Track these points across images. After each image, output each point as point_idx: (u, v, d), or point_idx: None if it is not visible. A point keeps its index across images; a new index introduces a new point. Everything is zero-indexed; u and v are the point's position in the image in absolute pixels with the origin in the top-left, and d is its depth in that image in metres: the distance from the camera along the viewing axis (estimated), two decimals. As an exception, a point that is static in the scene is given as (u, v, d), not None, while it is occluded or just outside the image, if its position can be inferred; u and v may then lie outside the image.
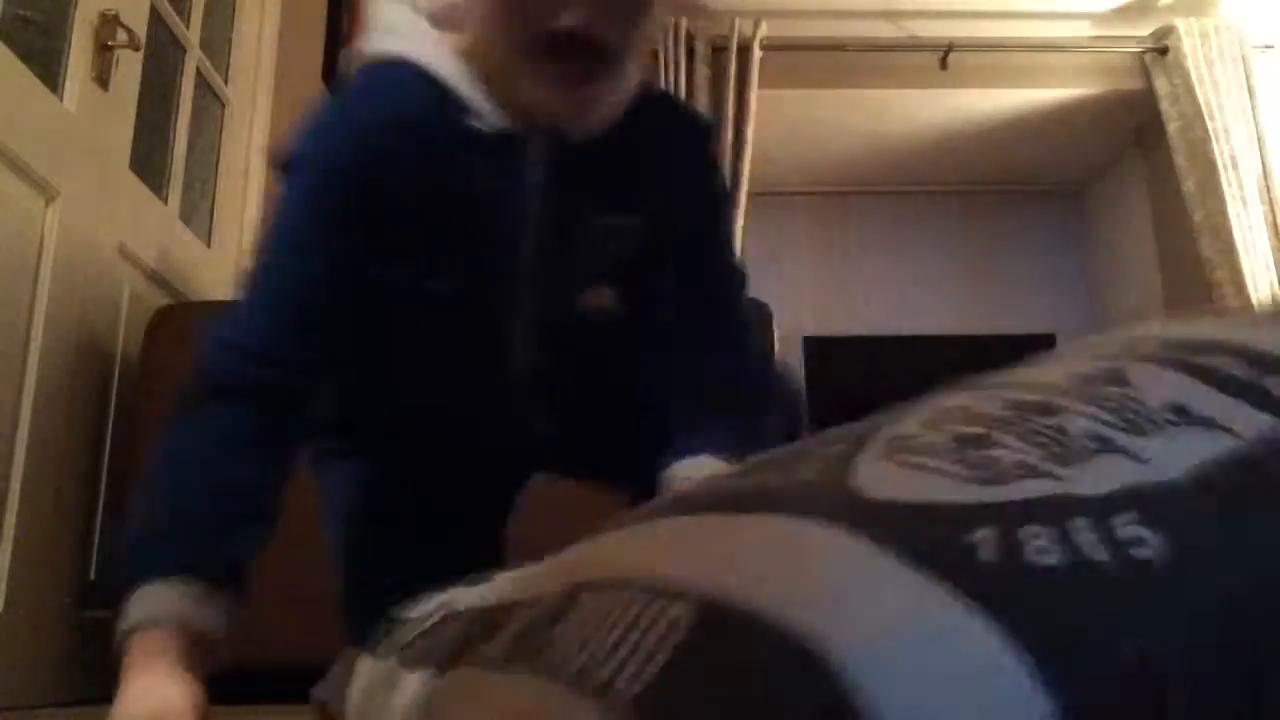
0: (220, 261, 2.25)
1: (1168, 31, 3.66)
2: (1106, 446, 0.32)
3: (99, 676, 1.64)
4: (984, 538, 0.30)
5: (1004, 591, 0.29)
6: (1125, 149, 4.24)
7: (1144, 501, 0.31)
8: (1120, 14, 3.75)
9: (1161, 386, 0.35)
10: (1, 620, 1.43)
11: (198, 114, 2.20)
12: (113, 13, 1.72)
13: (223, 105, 2.33)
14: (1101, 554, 0.29)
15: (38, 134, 1.53)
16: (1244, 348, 0.36)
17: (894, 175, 4.26)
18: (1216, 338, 0.37)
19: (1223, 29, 3.62)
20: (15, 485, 1.47)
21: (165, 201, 2.03)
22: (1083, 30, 3.78)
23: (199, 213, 2.22)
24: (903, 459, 0.34)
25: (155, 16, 1.95)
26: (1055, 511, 0.31)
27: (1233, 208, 3.46)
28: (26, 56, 1.51)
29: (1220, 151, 3.51)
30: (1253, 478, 0.31)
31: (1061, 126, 4.02)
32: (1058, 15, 3.74)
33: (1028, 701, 0.27)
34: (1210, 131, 3.52)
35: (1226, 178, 3.48)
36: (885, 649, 0.28)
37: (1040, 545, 0.30)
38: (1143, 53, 3.72)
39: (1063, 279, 4.52)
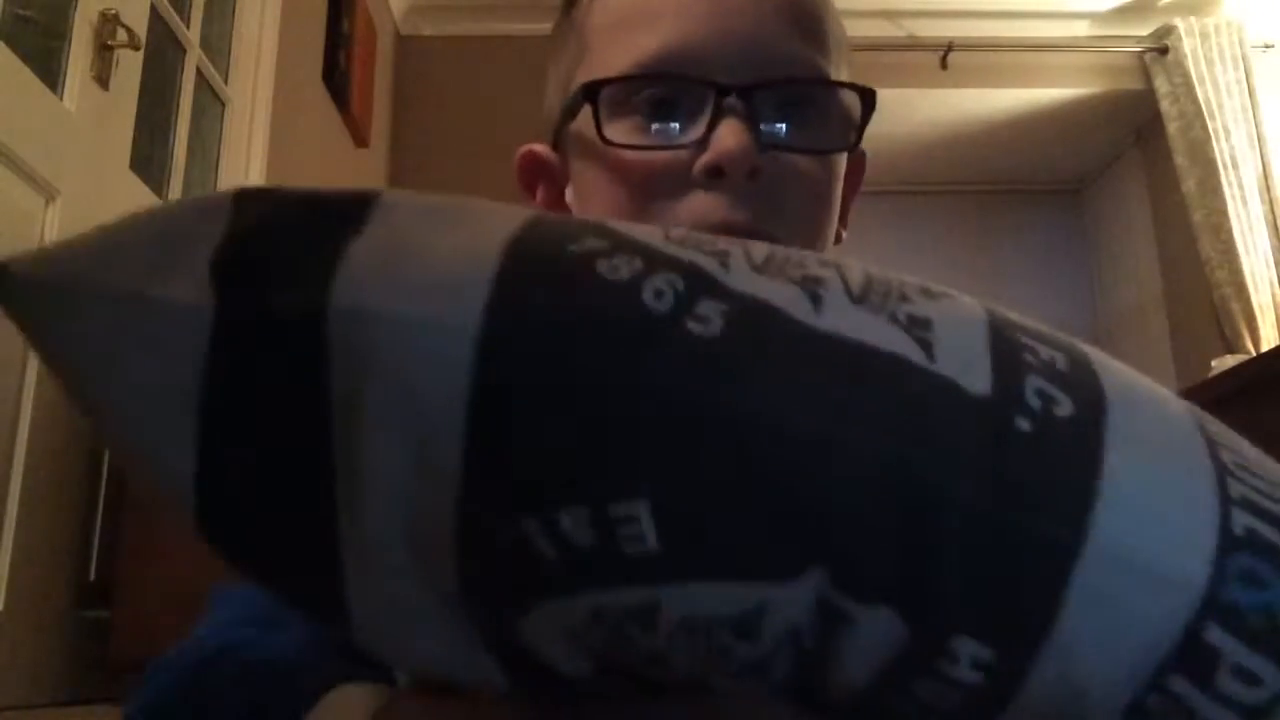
0: (220, 261, 2.25)
1: (1168, 31, 3.66)
2: None
3: (99, 676, 1.64)
4: None
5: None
6: (1125, 149, 4.24)
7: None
8: (1120, 14, 3.75)
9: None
10: (1, 620, 1.43)
11: (198, 114, 2.20)
12: (113, 13, 1.72)
13: (223, 105, 2.33)
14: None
15: (38, 134, 1.53)
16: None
17: (893, 175, 4.26)
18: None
19: (1223, 29, 3.63)
20: (15, 485, 1.47)
21: (165, 201, 2.03)
22: (1083, 30, 3.78)
23: (199, 213, 2.22)
24: None
25: (155, 16, 1.95)
26: None
27: (1233, 208, 3.47)
28: (26, 56, 1.51)
29: (1220, 151, 3.51)
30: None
31: (1061, 126, 4.02)
32: (1058, 15, 3.75)
33: None
34: (1210, 131, 3.52)
35: (1226, 177, 3.48)
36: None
37: None
38: (1143, 53, 3.72)
39: (1063, 279, 4.52)
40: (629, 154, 0.53)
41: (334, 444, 0.29)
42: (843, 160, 0.56)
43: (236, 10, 2.39)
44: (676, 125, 0.53)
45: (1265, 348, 3.25)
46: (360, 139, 3.16)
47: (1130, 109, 3.89)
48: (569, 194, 0.59)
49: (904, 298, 0.31)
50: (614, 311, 0.29)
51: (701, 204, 0.51)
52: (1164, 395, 0.33)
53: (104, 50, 1.72)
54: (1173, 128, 3.64)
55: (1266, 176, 3.53)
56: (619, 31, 0.55)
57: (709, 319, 0.28)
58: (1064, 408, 0.29)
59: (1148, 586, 0.27)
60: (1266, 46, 3.70)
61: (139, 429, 0.30)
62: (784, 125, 0.53)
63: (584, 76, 0.56)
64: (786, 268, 0.31)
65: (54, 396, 1.56)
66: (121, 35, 1.74)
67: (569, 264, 0.30)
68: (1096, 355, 0.33)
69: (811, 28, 0.55)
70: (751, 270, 0.31)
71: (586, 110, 0.53)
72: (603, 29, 0.56)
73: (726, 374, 0.28)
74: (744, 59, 0.52)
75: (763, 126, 0.51)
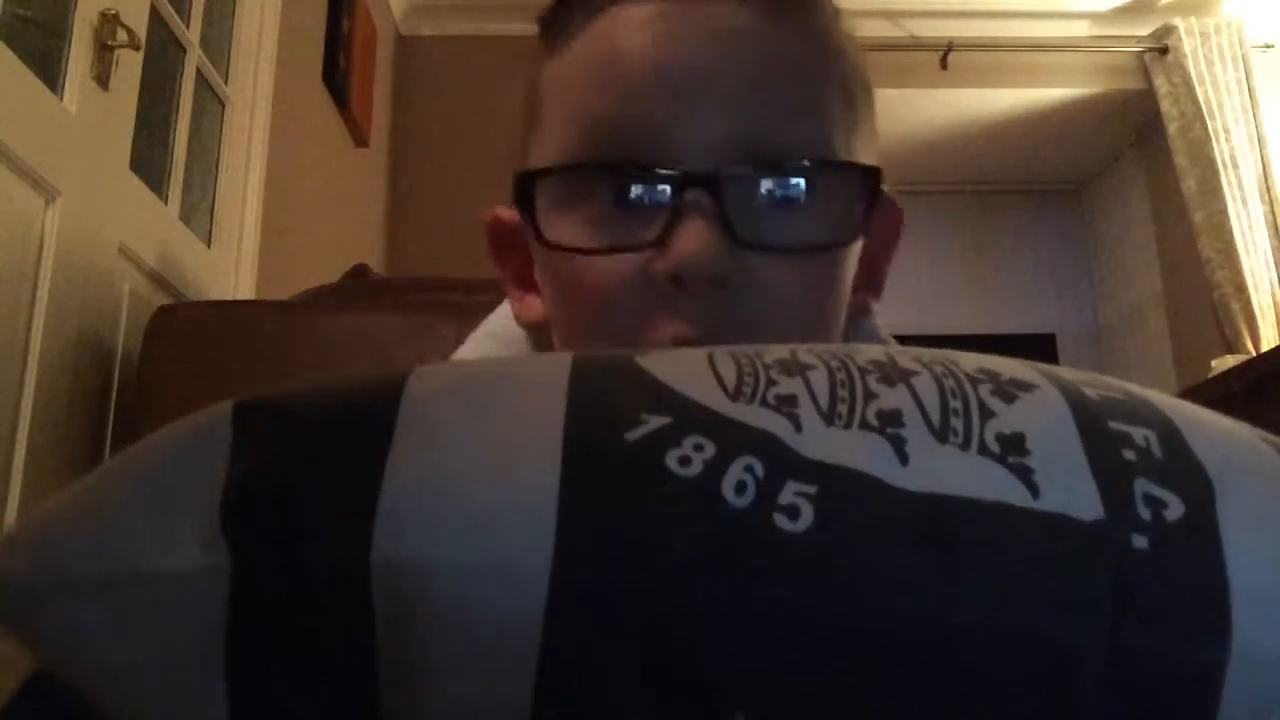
0: (220, 261, 2.25)
1: (1168, 31, 3.66)
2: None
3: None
4: None
5: None
6: (1125, 149, 4.24)
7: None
8: (1120, 14, 3.75)
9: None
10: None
11: (198, 114, 2.20)
12: (113, 13, 1.72)
13: (223, 105, 2.33)
14: None
15: (38, 134, 1.53)
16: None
17: (893, 175, 4.15)
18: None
19: (1223, 29, 3.62)
20: (15, 485, 1.47)
21: (165, 201, 2.03)
22: (1083, 30, 3.78)
23: (199, 213, 2.22)
24: None
25: (155, 16, 1.95)
26: None
27: (1233, 208, 3.46)
28: (26, 56, 1.51)
29: (1220, 151, 3.50)
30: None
31: (1061, 126, 4.02)
32: (1058, 15, 3.74)
33: None
34: (1210, 131, 3.52)
35: (1226, 178, 3.48)
36: None
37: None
38: (1143, 52, 3.72)
39: (1063, 279, 4.52)
40: (580, 260, 0.44)
41: (381, 697, 0.26)
42: (848, 248, 0.46)
43: (236, 10, 2.39)
44: (621, 220, 0.43)
45: (1265, 348, 3.25)
46: (360, 139, 3.16)
47: (1130, 109, 3.89)
48: (537, 272, 0.50)
49: (985, 411, 0.29)
50: (694, 521, 0.26)
51: (663, 322, 0.42)
52: (1243, 436, 0.32)
53: (104, 50, 1.72)
54: (1173, 128, 3.64)
55: (1266, 176, 3.52)
56: (570, 93, 0.45)
57: (797, 510, 0.26)
58: (1174, 509, 0.27)
59: None
60: (1266, 46, 3.69)
61: (167, 711, 0.27)
62: (768, 216, 0.43)
63: (535, 146, 0.47)
64: (857, 404, 0.29)
65: (54, 396, 1.56)
66: (121, 35, 1.74)
67: (635, 464, 0.27)
68: (1176, 415, 0.31)
69: (810, 79, 0.45)
70: (823, 422, 0.28)
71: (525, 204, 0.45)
72: (555, 86, 0.47)
73: (825, 575, 0.25)
74: (716, 133, 0.43)
75: (737, 220, 0.42)
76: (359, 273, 2.01)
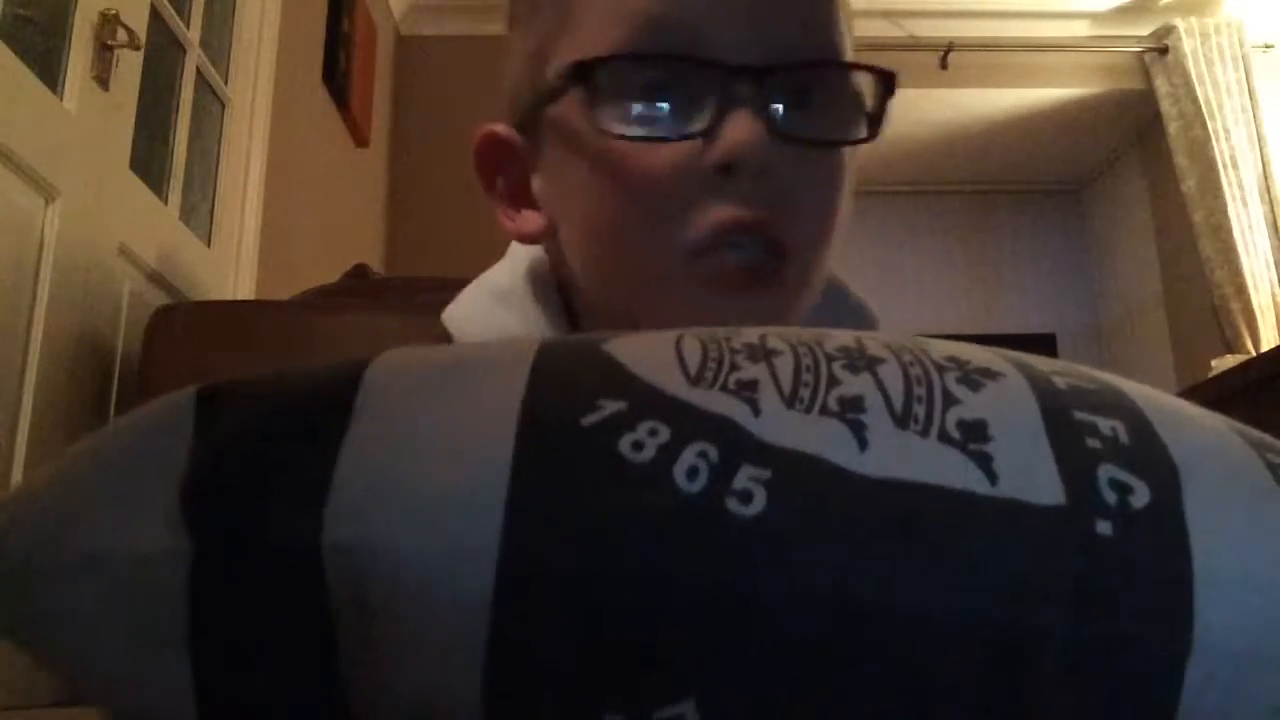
0: (220, 261, 2.25)
1: (1168, 31, 3.66)
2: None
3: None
4: None
5: None
6: (1125, 149, 4.25)
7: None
8: (1120, 14, 3.75)
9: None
10: (1, 620, 1.43)
11: (198, 114, 2.20)
12: (113, 13, 1.72)
13: (223, 105, 2.33)
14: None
15: (38, 134, 1.53)
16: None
17: (893, 175, 4.26)
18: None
19: (1223, 29, 3.63)
20: (15, 485, 1.47)
21: (165, 201, 2.03)
22: (1083, 30, 3.78)
23: (199, 213, 2.22)
24: None
25: (155, 16, 1.95)
26: None
27: (1233, 208, 3.47)
28: (26, 56, 1.51)
29: (1220, 151, 3.51)
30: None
31: (1061, 126, 4.02)
32: (1058, 15, 3.75)
33: None
34: (1210, 131, 3.52)
35: (1226, 178, 3.48)
36: None
37: None
38: (1143, 53, 3.72)
39: (1063, 279, 4.52)
40: (631, 148, 0.45)
41: (344, 677, 0.27)
42: (854, 150, 0.49)
43: (236, 10, 2.39)
44: (670, 110, 0.45)
45: (1265, 348, 3.25)
46: (360, 139, 3.16)
47: (1130, 109, 3.89)
48: (537, 184, 0.51)
49: (948, 398, 0.29)
50: (644, 509, 0.25)
51: (713, 207, 0.44)
52: (1213, 425, 0.31)
53: (104, 50, 1.72)
54: (1173, 128, 3.64)
55: (1266, 176, 3.53)
56: None
57: (750, 494, 0.25)
58: (1140, 495, 0.27)
59: (1259, 668, 0.26)
60: (1266, 46, 3.70)
61: (135, 689, 0.28)
62: (796, 112, 0.46)
63: (568, 47, 0.47)
64: (820, 390, 0.28)
65: (54, 396, 1.56)
66: (121, 35, 1.74)
67: (587, 450, 0.26)
68: (1146, 405, 0.31)
69: None
70: (784, 405, 0.28)
71: (571, 94, 0.46)
72: None
73: (777, 559, 0.25)
74: (755, 31, 0.45)
75: (773, 114, 0.45)
76: (359, 273, 2.01)
